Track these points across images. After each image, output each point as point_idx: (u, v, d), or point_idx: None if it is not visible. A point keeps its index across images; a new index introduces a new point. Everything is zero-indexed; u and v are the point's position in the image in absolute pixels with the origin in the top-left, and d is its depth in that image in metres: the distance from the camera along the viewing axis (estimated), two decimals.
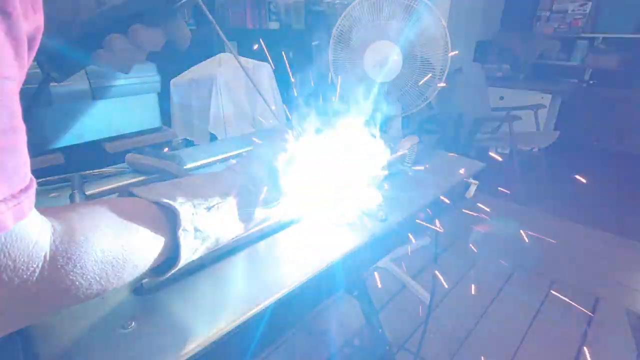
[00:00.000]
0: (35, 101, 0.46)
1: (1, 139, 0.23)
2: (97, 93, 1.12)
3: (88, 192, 0.69)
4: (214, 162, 0.89)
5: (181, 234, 0.39)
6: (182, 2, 0.45)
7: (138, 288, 0.47)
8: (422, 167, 0.85)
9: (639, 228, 2.19)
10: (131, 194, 0.41)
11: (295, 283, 0.49)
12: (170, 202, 0.39)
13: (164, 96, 1.38)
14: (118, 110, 1.18)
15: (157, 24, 0.45)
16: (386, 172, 0.73)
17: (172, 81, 1.88)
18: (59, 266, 0.28)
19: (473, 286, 1.73)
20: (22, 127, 0.25)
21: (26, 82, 0.25)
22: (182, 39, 0.48)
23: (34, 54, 0.26)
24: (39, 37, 0.26)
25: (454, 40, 1.03)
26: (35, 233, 0.27)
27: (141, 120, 1.26)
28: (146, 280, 0.47)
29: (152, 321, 0.42)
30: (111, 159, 1.04)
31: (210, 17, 0.48)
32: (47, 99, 1.06)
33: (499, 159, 1.30)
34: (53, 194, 0.69)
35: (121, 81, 1.16)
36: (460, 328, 1.50)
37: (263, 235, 0.59)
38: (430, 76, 1.04)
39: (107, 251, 0.32)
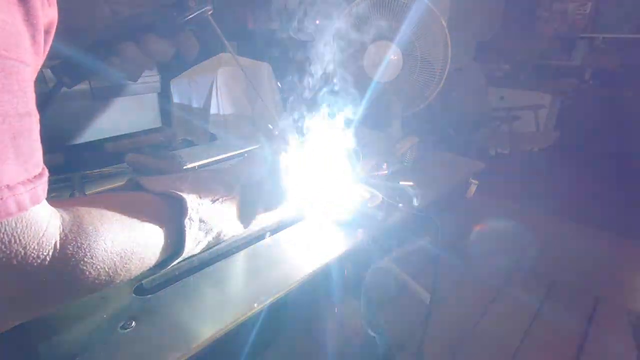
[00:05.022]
0: (46, 104, 0.48)
1: (18, 122, 0.23)
2: (97, 93, 1.12)
3: (88, 192, 0.69)
4: (214, 162, 0.89)
5: (187, 223, 0.39)
6: (191, 16, 0.48)
7: (138, 288, 0.47)
8: (421, 167, 0.85)
9: (639, 228, 2.18)
10: (138, 184, 0.42)
11: (295, 283, 0.49)
12: (177, 192, 0.40)
13: (164, 96, 1.38)
14: (118, 110, 1.18)
15: (168, 35, 0.49)
16: (386, 172, 0.73)
17: (172, 81, 1.88)
18: (70, 254, 0.28)
19: (473, 286, 1.73)
20: (36, 114, 0.25)
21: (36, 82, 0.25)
22: (190, 49, 0.51)
23: (48, 46, 0.26)
24: (53, 30, 0.26)
25: (454, 40, 1.03)
26: (45, 221, 0.27)
27: (141, 120, 1.26)
28: (146, 280, 0.47)
29: (152, 321, 0.42)
30: (111, 159, 1.03)
31: (217, 29, 0.50)
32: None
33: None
34: (53, 194, 0.69)
35: (121, 81, 1.16)
36: (460, 328, 1.49)
37: (263, 235, 0.59)
38: (430, 76, 1.04)
39: (116, 242, 0.32)
